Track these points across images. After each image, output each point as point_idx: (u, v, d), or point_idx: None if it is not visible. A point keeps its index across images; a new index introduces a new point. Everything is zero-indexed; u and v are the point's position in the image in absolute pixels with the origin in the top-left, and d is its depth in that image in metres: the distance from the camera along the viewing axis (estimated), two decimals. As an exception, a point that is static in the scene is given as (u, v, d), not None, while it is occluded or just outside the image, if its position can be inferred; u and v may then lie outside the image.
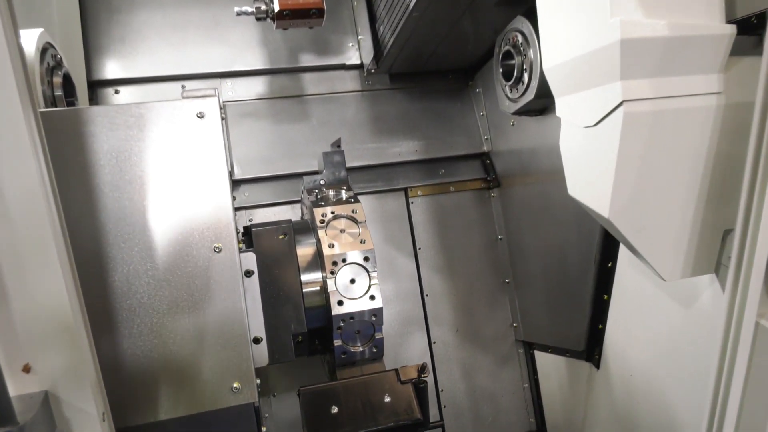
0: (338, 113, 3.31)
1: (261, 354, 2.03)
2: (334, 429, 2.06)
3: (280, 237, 2.26)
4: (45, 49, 2.13)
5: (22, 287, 1.14)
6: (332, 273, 2.20)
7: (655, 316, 2.11)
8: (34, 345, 1.17)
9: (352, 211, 2.34)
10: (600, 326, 2.47)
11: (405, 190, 3.35)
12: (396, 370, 2.20)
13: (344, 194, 2.45)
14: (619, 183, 1.56)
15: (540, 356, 3.16)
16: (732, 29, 1.49)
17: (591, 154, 1.66)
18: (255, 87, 3.25)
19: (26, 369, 1.17)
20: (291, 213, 3.15)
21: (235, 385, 1.81)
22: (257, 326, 2.03)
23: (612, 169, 1.55)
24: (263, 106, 3.24)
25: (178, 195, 1.84)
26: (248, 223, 2.94)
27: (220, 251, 1.84)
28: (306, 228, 2.39)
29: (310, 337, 2.25)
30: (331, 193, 2.46)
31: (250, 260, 2.07)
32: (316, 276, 2.25)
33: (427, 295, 3.28)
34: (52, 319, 1.18)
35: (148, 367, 1.76)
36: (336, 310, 2.17)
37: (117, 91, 3.09)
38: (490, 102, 3.31)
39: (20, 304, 1.14)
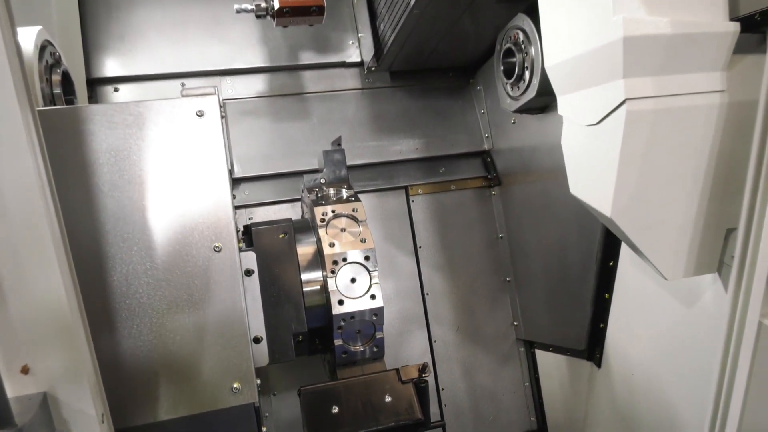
0: (338, 111, 3.30)
1: (261, 353, 2.02)
2: (335, 429, 2.05)
3: (281, 236, 2.25)
4: (44, 47, 2.12)
5: (20, 287, 1.14)
6: (333, 272, 2.19)
7: (656, 315, 2.10)
8: (33, 346, 1.16)
9: (353, 210, 2.33)
10: (601, 325, 2.46)
11: (405, 188, 3.34)
12: (397, 370, 2.19)
13: (345, 193, 2.44)
14: (622, 182, 1.56)
15: (541, 355, 3.15)
16: (735, 27, 1.48)
17: (593, 153, 1.65)
18: (255, 85, 3.24)
19: (25, 370, 1.16)
20: (291, 211, 3.14)
21: (235, 386, 1.80)
22: (257, 326, 2.02)
23: (614, 168, 1.54)
24: (263, 104, 3.22)
25: (178, 194, 1.83)
26: (248, 222, 2.94)
27: (220, 251, 1.83)
28: (306, 227, 2.38)
29: (311, 336, 2.24)
30: (332, 191, 2.45)
31: (250, 259, 2.06)
32: (317, 275, 2.24)
33: (427, 294, 3.28)
34: (51, 319, 1.17)
35: (147, 367, 1.75)
36: (336, 310, 2.16)
37: (116, 89, 3.08)
38: (491, 100, 3.30)
39: (18, 305, 1.14)
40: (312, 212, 2.35)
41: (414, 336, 3.24)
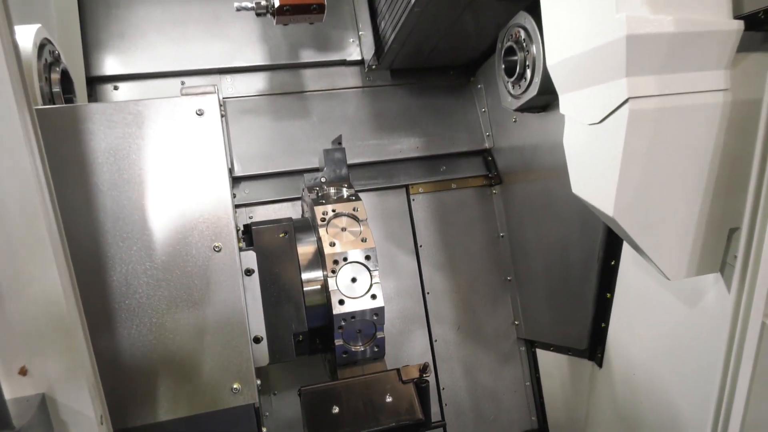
0: (339, 109, 3.29)
1: (261, 353, 2.01)
2: (335, 429, 2.05)
3: (281, 235, 2.24)
4: (42, 45, 2.11)
5: (18, 288, 1.13)
6: (333, 272, 2.18)
7: (658, 314, 2.09)
8: (31, 347, 1.15)
9: (354, 209, 2.32)
10: (603, 325, 2.45)
11: (406, 187, 3.33)
12: (398, 370, 2.18)
13: (345, 192, 2.43)
14: (624, 181, 1.55)
15: (542, 354, 3.14)
16: (739, 25, 1.47)
17: (595, 152, 1.64)
18: (255, 83, 3.23)
19: (23, 371, 1.15)
20: (291, 210, 3.13)
21: (235, 386, 1.79)
22: (257, 325, 2.02)
23: (617, 167, 1.53)
24: (263, 103, 3.21)
25: (178, 193, 1.82)
26: (248, 221, 2.94)
27: (219, 250, 1.82)
28: (307, 226, 2.37)
29: (311, 336, 2.23)
30: (332, 190, 2.44)
31: (250, 259, 2.05)
32: (317, 274, 2.23)
33: (428, 293, 3.27)
34: (49, 320, 1.16)
35: (147, 367, 1.74)
36: (337, 310, 2.15)
37: (116, 87, 3.07)
38: (492, 98, 3.29)
39: (16, 305, 1.13)
40: (312, 211, 2.34)
41: (415, 335, 3.24)
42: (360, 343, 2.24)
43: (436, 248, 3.33)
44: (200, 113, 1.86)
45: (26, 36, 2.00)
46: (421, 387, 2.15)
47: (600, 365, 2.52)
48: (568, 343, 2.76)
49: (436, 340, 3.25)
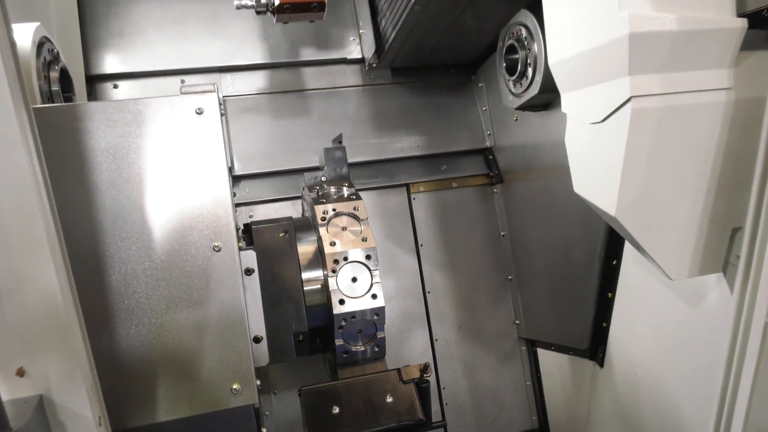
0: (339, 108, 3.28)
1: (261, 353, 2.01)
2: (335, 429, 2.04)
3: (281, 234, 2.23)
4: (41, 44, 2.10)
5: (15, 288, 1.12)
6: (333, 271, 2.17)
7: (660, 314, 2.09)
8: (28, 348, 1.14)
9: (354, 209, 2.31)
10: (604, 324, 2.44)
11: (407, 186, 3.32)
12: (398, 370, 2.17)
13: (346, 191, 2.42)
14: (627, 181, 1.54)
15: (543, 354, 3.14)
16: (743, 23, 1.46)
17: (597, 151, 1.63)
18: (255, 81, 3.22)
19: (20, 372, 1.14)
20: (292, 209, 3.12)
21: (234, 387, 1.78)
22: (257, 325, 2.01)
23: (619, 167, 1.52)
24: (263, 101, 3.20)
25: (177, 193, 1.81)
26: (249, 220, 2.93)
27: (219, 250, 1.81)
28: (307, 225, 2.36)
29: (311, 335, 2.22)
30: (333, 189, 2.43)
31: (250, 258, 2.05)
32: (317, 274, 2.22)
33: (429, 292, 3.26)
34: (47, 320, 1.15)
35: (146, 368, 1.73)
36: (337, 309, 2.14)
37: (116, 86, 3.06)
38: (493, 97, 3.28)
39: (13, 306, 1.12)
40: (312, 210, 2.34)
41: (415, 334, 3.23)
42: (360, 343, 2.23)
43: (437, 247, 3.32)
44: (200, 112, 1.85)
45: (25, 34, 1.99)
46: (421, 387, 2.14)
47: (601, 365, 2.51)
48: (569, 342, 2.75)
49: (436, 340, 3.24)
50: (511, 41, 2.49)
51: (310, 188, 2.47)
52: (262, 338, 2.01)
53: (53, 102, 2.14)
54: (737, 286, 1.64)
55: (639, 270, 2.18)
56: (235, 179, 3.07)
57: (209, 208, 1.82)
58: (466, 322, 3.30)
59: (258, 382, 1.85)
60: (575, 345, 2.68)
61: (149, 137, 1.80)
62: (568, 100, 1.74)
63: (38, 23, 2.07)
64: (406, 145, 3.32)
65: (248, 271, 2.03)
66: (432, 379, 3.09)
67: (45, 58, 2.12)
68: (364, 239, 2.24)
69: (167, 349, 1.75)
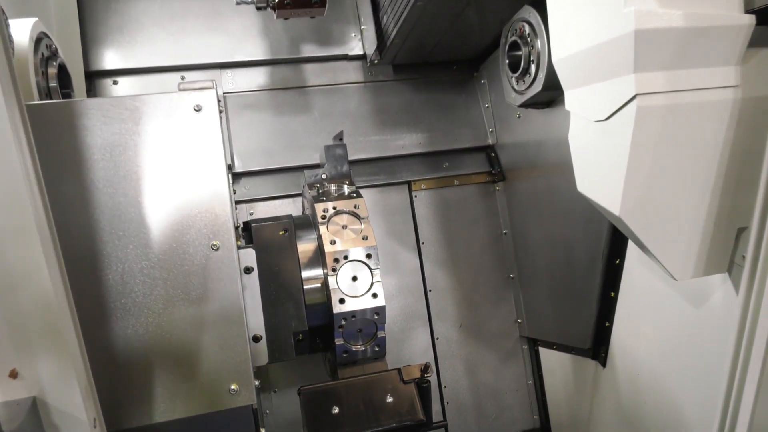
0: (340, 105, 3.26)
1: (261, 352, 1.99)
2: (335, 429, 2.02)
3: (281, 233, 2.21)
4: (39, 39, 2.08)
5: (6, 287, 1.10)
6: (333, 270, 2.16)
7: (664, 314, 2.07)
8: (21, 349, 1.13)
9: (355, 207, 2.29)
10: (607, 324, 2.43)
11: (408, 183, 3.30)
12: (399, 370, 2.16)
13: (346, 189, 2.40)
14: (631, 180, 1.51)
15: (544, 353, 3.12)
16: (751, 19, 1.43)
17: (601, 150, 1.60)
18: (256, 78, 3.20)
19: (13, 374, 1.12)
20: (292, 206, 3.10)
21: (232, 387, 1.76)
22: (257, 324, 1.99)
23: (623, 166, 1.50)
24: (264, 98, 3.18)
25: (175, 191, 1.79)
26: (249, 217, 2.91)
27: (217, 249, 1.79)
28: (307, 223, 2.34)
29: (311, 335, 2.21)
30: (333, 187, 2.41)
31: (249, 257, 2.03)
32: (318, 273, 2.20)
33: (430, 291, 3.25)
34: (39, 320, 1.13)
35: (143, 368, 1.72)
36: (337, 309, 2.12)
37: (115, 82, 3.04)
38: (496, 94, 3.26)
39: (4, 306, 1.10)
40: (313, 208, 2.32)
41: (416, 333, 3.21)
42: (360, 343, 2.21)
43: (439, 245, 3.30)
44: (198, 109, 1.83)
45: (22, 30, 1.97)
46: (422, 387, 2.13)
47: (603, 365, 2.50)
48: (572, 342, 2.73)
49: (437, 338, 3.23)
50: (514, 38, 2.46)
51: (311, 186, 2.45)
52: (261, 337, 1.99)
53: (51, 98, 2.12)
54: (743, 287, 1.61)
55: (642, 269, 2.16)
56: (236, 176, 3.05)
57: (208, 207, 1.81)
58: (467, 321, 3.28)
59: (257, 382, 1.83)
60: (577, 344, 2.66)
61: (147, 134, 1.79)
62: (571, 98, 1.71)
63: (36, 19, 2.05)
64: (408, 142, 3.30)
65: (247, 270, 2.01)
66: (433, 377, 3.07)
67: (43, 54, 2.10)
68: (364, 238, 2.22)
69: (164, 349, 1.73)
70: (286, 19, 2.72)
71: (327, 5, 2.62)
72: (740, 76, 1.49)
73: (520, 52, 2.42)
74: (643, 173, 1.51)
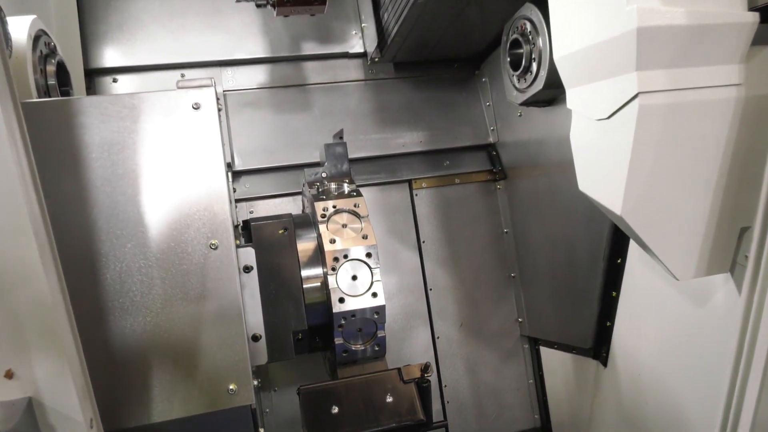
0: (341, 103, 3.25)
1: (260, 352, 1.99)
2: (335, 429, 2.02)
3: (281, 231, 2.20)
4: (38, 37, 2.07)
5: (1, 287, 1.09)
6: (333, 269, 2.15)
7: (665, 314, 2.05)
8: (17, 349, 1.12)
9: (355, 206, 2.28)
10: (608, 323, 2.41)
11: (409, 182, 3.29)
12: (399, 369, 2.15)
13: (346, 188, 2.39)
14: (633, 179, 1.50)
15: (545, 352, 3.11)
16: (754, 17, 1.42)
17: (603, 149, 1.59)
18: (256, 76, 3.19)
19: (8, 374, 1.11)
20: (293, 204, 3.10)
21: (231, 387, 1.75)
22: (256, 323, 1.98)
23: (625, 164, 1.49)
24: (264, 96, 3.17)
25: (173, 190, 1.78)
26: (249, 216, 2.91)
27: (216, 248, 1.78)
28: (307, 222, 2.33)
29: (311, 334, 2.20)
30: (333, 186, 2.40)
31: (249, 255, 2.02)
32: (317, 272, 2.19)
33: (431, 289, 3.24)
34: (35, 320, 1.12)
35: (141, 367, 1.71)
36: (337, 308, 2.11)
37: (115, 80, 3.03)
38: (497, 92, 3.24)
39: (0, 306, 1.09)
40: (312, 207, 2.30)
41: (417, 332, 3.20)
42: (360, 342, 2.20)
43: (439, 244, 3.29)
44: (197, 107, 1.82)
45: (20, 27, 1.95)
46: (422, 387, 2.12)
47: (605, 364, 2.48)
48: (573, 341, 2.72)
49: (438, 337, 3.22)
50: (515, 36, 2.45)
51: (311, 184, 2.44)
52: (260, 336, 1.98)
53: (50, 96, 2.11)
54: (745, 287, 1.60)
55: (644, 269, 2.15)
56: (236, 174, 3.05)
57: (206, 205, 1.80)
58: (468, 320, 3.27)
59: (256, 381, 1.83)
60: (578, 344, 2.65)
61: (145, 133, 1.78)
62: (573, 96, 1.70)
63: (34, 16, 2.04)
64: (409, 140, 3.28)
65: (247, 269, 2.00)
66: (433, 377, 3.07)
67: (41, 52, 2.08)
68: (364, 237, 2.21)
69: (162, 349, 1.72)
70: (286, 16, 2.71)
71: (327, 3, 2.61)
72: (743, 75, 1.48)
73: (521, 50, 2.41)
74: (645, 172, 1.50)
